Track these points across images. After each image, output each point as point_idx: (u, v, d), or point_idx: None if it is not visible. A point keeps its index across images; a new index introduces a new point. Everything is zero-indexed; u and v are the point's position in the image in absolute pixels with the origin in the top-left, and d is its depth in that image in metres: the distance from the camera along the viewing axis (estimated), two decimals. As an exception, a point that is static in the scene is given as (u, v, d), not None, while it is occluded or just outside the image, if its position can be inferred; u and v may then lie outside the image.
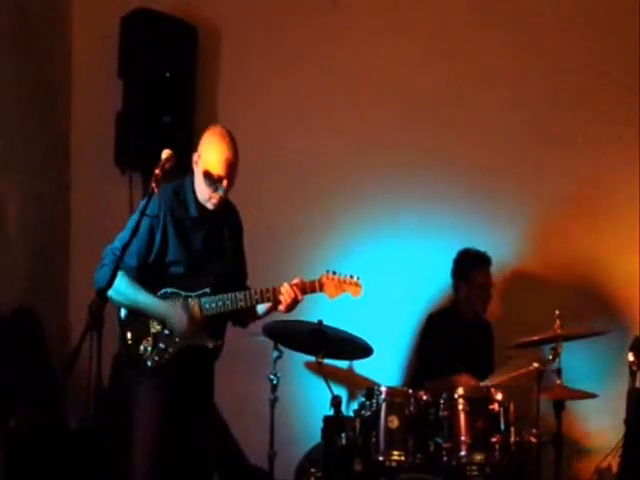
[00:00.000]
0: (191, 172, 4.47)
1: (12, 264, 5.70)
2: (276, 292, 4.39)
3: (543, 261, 6.17)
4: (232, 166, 4.37)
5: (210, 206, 4.44)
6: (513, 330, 5.62)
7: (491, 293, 5.85)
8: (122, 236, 4.36)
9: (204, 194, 4.41)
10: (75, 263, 6.33)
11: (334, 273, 4.45)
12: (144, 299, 4.37)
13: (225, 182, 4.36)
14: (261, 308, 4.55)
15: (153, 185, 4.12)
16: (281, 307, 4.43)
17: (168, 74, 6.22)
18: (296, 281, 4.41)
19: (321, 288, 4.43)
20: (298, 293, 4.38)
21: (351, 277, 4.46)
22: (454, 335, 5.77)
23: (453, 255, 5.89)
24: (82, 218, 6.38)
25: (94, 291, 3.95)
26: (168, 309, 4.38)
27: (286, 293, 4.37)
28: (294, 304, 4.41)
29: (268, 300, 4.42)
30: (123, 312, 4.46)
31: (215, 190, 4.38)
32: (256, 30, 6.47)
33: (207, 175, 4.35)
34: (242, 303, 4.39)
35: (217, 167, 4.34)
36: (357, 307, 5.98)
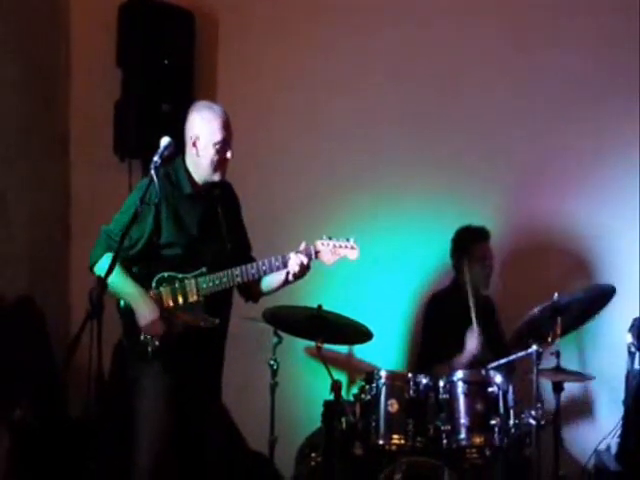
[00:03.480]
0: (181, 155, 4.55)
1: (13, 253, 5.71)
2: (271, 263, 4.42)
3: (542, 238, 6.18)
4: (229, 128, 4.50)
5: (218, 177, 4.52)
6: (512, 308, 5.68)
7: (492, 267, 5.84)
8: (118, 218, 4.44)
9: (211, 166, 4.49)
10: (76, 251, 6.33)
11: (330, 239, 4.46)
12: (121, 286, 4.39)
13: (225, 145, 4.47)
14: (269, 283, 4.60)
15: (152, 173, 4.18)
16: (290, 277, 4.47)
17: (166, 62, 6.22)
18: (302, 247, 4.45)
19: (317, 255, 4.45)
20: (304, 259, 4.41)
21: (347, 240, 4.47)
22: (457, 314, 5.75)
23: (451, 236, 5.91)
24: (82, 206, 6.38)
25: (94, 277, 4.03)
26: (138, 303, 4.40)
27: (294, 263, 4.41)
28: (302, 270, 4.43)
29: (265, 273, 4.46)
30: (122, 301, 4.50)
31: (225, 155, 4.47)
32: (253, 15, 6.46)
33: (208, 148, 4.45)
34: (239, 279, 4.44)
35: (220, 131, 4.45)
36: (357, 292, 6.08)
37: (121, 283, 4.38)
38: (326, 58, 6.38)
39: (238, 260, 4.51)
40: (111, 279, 4.18)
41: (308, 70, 6.41)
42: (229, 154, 4.49)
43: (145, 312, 4.38)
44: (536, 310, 5.03)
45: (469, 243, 5.81)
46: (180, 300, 4.44)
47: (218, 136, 4.46)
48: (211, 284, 4.44)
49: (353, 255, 4.46)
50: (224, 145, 4.48)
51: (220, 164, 4.50)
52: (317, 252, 4.44)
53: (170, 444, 4.42)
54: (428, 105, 6.26)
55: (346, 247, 4.45)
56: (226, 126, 4.49)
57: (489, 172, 6.20)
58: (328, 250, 4.44)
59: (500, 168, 6.20)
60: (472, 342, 5.52)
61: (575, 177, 6.17)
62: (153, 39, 6.19)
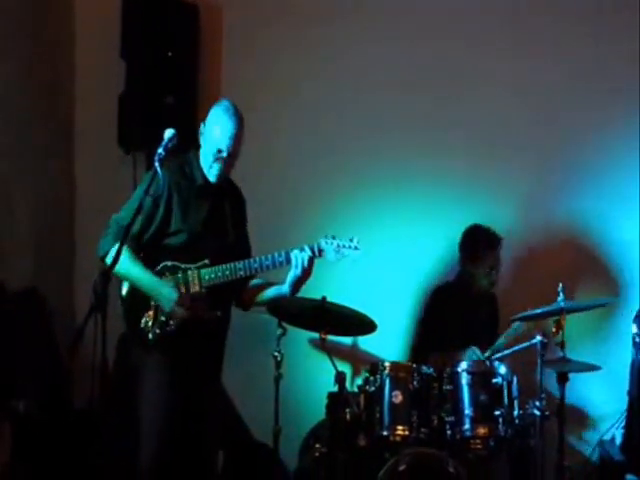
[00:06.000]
0: (196, 145, 4.56)
1: (18, 245, 5.73)
2: (274, 259, 4.44)
3: (546, 232, 6.18)
4: (235, 140, 4.49)
5: (211, 178, 4.54)
6: (517, 300, 5.67)
7: (499, 272, 5.83)
8: (127, 207, 4.46)
9: (207, 165, 4.53)
10: (80, 244, 6.35)
11: (333, 238, 4.47)
12: (137, 275, 4.42)
13: (226, 155, 4.48)
14: (267, 293, 4.64)
15: (156, 165, 4.20)
16: (297, 271, 4.47)
17: (170, 53, 6.20)
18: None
19: (320, 253, 4.45)
20: (309, 252, 4.43)
21: (350, 240, 4.47)
22: (459, 308, 5.78)
23: (457, 228, 5.88)
24: (87, 199, 6.40)
25: (99, 260, 4.05)
26: (157, 288, 4.42)
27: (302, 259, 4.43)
28: (309, 265, 4.45)
29: (267, 269, 4.47)
30: (125, 287, 4.52)
31: (216, 161, 4.49)
32: (257, 6, 6.45)
33: (210, 148, 4.48)
34: (242, 272, 4.46)
35: (220, 141, 4.47)
36: (361, 283, 6.08)
37: (135, 271, 4.41)
38: (331, 51, 6.37)
39: (239, 258, 4.52)
40: (124, 267, 4.24)
41: (313, 63, 6.40)
42: (227, 167, 4.52)
43: (166, 295, 4.40)
44: (539, 311, 5.06)
45: (479, 248, 5.79)
46: (182, 290, 4.45)
47: (221, 145, 4.47)
48: (213, 276, 4.45)
49: (356, 256, 4.48)
50: (227, 157, 4.48)
51: (215, 169, 4.52)
52: (320, 250, 4.45)
53: (173, 432, 4.44)
54: (435, 100, 6.25)
55: (350, 247, 4.47)
56: (233, 138, 4.48)
57: (493, 166, 6.20)
58: (332, 249, 4.46)
59: (503, 163, 6.20)
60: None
61: (578, 172, 6.17)
62: (157, 31, 6.17)
